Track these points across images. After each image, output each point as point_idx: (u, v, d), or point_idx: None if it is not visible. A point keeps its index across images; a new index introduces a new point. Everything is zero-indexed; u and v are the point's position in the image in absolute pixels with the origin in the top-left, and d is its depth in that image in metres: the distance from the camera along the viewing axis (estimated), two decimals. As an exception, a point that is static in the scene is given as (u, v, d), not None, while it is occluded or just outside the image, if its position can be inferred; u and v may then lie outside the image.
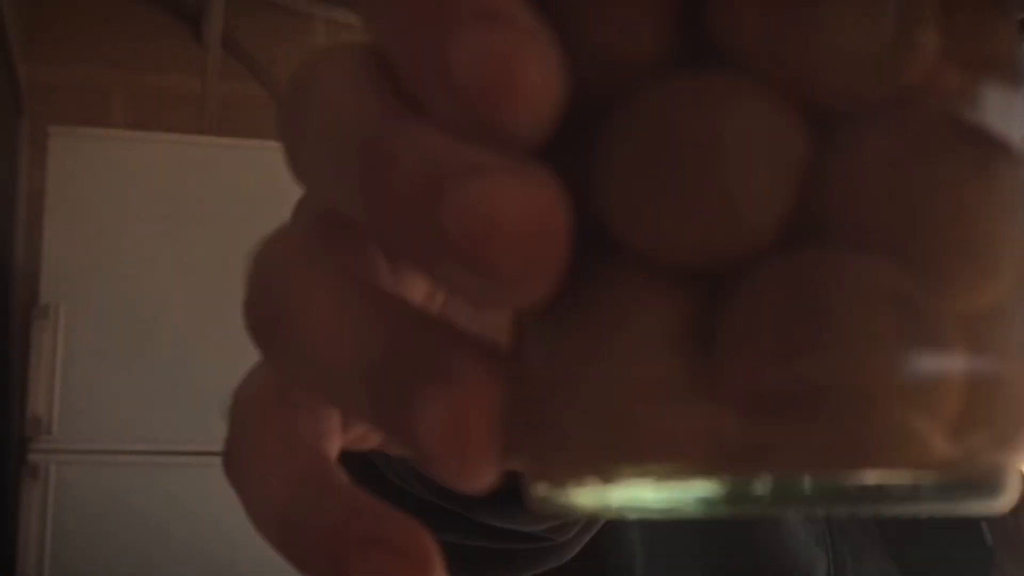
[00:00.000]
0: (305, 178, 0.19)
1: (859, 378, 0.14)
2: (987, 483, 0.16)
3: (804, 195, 0.15)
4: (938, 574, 0.74)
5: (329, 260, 0.19)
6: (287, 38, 2.79)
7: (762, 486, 0.15)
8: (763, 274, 0.15)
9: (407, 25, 0.15)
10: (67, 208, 2.10)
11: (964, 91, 0.16)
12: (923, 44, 0.15)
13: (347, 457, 0.22)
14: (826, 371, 0.14)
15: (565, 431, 0.16)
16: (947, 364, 0.15)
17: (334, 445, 0.20)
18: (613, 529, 0.58)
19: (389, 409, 0.17)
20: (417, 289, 0.21)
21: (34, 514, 1.97)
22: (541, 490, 0.17)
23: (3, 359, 2.26)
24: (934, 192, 0.15)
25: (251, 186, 2.19)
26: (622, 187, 0.15)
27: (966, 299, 0.15)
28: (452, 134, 0.15)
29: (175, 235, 2.13)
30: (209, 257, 2.14)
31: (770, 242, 0.15)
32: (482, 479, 0.16)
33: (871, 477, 0.15)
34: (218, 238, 2.15)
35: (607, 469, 0.15)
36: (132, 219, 2.12)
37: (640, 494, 0.15)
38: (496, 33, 0.15)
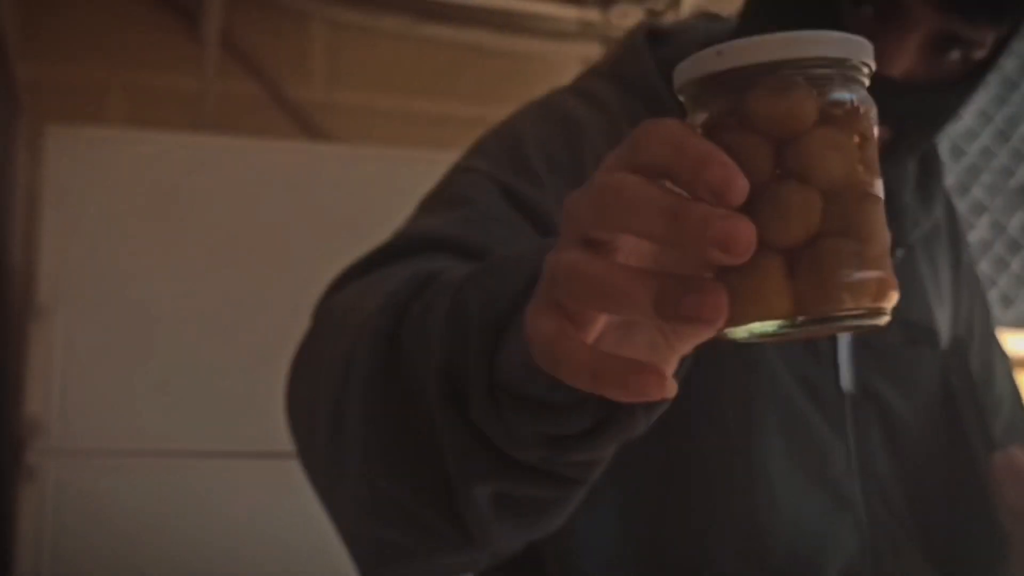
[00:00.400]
0: (614, 223, 0.42)
1: (840, 282, 0.40)
2: (880, 314, 0.42)
3: (820, 225, 0.42)
4: (963, 565, 0.79)
5: (607, 256, 0.43)
6: (285, 36, 2.78)
7: (808, 321, 0.41)
8: (809, 249, 0.41)
9: (689, 167, 0.39)
10: (64, 207, 2.09)
11: (873, 183, 0.42)
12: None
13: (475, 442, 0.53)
14: (829, 283, 0.40)
15: (747, 305, 0.40)
16: (870, 275, 0.41)
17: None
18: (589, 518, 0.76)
19: (668, 307, 0.39)
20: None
21: (32, 516, 1.97)
22: (732, 331, 0.42)
23: (0, 359, 2.26)
24: (859, 222, 0.41)
25: (249, 184, 2.19)
26: (764, 225, 0.40)
27: (875, 252, 0.42)
28: (709, 204, 0.39)
29: (173, 234, 2.13)
30: (208, 256, 2.13)
31: (808, 241, 0.41)
32: (718, 327, 0.40)
33: (843, 313, 0.41)
34: (216, 237, 2.14)
35: (760, 319, 0.41)
36: (130, 218, 2.11)
37: (768, 328, 0.41)
38: (725, 168, 0.39)
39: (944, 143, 2.88)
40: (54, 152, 2.10)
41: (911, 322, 0.88)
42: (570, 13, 2.87)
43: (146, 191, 2.13)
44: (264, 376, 2.19)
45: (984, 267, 2.97)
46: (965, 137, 3.02)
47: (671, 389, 0.41)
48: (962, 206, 3.06)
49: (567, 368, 0.41)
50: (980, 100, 3.03)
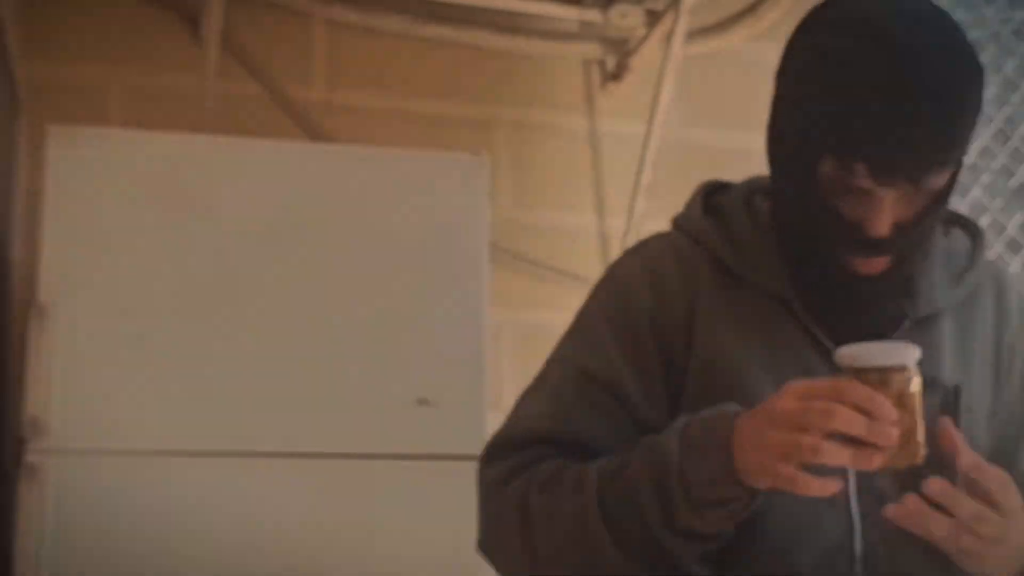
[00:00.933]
0: (837, 426, 0.89)
1: (914, 454, 0.93)
2: (919, 461, 0.93)
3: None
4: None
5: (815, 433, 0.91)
6: (286, 37, 2.78)
7: (897, 469, 0.95)
8: (903, 438, 0.92)
9: (877, 410, 0.89)
10: (65, 207, 2.09)
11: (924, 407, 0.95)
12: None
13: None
14: (912, 454, 0.93)
15: (883, 459, 0.92)
16: (921, 449, 0.93)
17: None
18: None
19: (860, 461, 0.90)
20: None
21: (32, 515, 1.97)
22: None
23: (1, 359, 2.26)
24: (919, 429, 0.93)
25: (249, 184, 2.19)
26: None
27: (923, 439, 0.93)
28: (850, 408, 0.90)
29: (174, 234, 2.13)
30: (208, 256, 2.13)
31: (904, 434, 0.93)
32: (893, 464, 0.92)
33: (910, 464, 0.93)
34: (217, 237, 2.14)
35: (885, 466, 0.92)
36: (130, 218, 2.12)
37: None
38: (892, 410, 0.90)
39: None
40: (55, 152, 2.10)
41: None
42: (570, 13, 2.87)
43: (147, 191, 2.13)
44: (264, 376, 2.20)
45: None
46: (965, 137, 3.01)
47: (839, 486, 0.90)
48: (962, 206, 3.06)
49: (791, 484, 0.89)
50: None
